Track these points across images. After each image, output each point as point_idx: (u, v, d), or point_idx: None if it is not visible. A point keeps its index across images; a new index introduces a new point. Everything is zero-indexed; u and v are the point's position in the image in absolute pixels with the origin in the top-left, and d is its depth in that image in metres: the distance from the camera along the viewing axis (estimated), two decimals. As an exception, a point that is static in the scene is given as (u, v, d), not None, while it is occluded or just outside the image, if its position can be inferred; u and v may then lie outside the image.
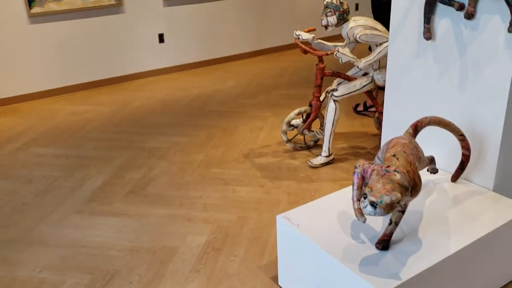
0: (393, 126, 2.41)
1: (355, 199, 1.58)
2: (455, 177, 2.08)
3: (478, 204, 1.91)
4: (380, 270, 1.53)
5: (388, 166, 1.49)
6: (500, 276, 1.92)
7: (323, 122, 3.29)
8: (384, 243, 1.62)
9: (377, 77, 2.93)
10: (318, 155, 3.17)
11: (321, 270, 1.68)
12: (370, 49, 4.18)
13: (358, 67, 2.86)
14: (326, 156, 3.05)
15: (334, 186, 2.83)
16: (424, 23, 2.08)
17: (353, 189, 1.59)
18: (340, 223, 1.79)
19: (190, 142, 3.56)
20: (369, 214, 1.41)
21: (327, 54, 2.85)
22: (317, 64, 2.99)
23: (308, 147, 3.35)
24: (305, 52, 2.96)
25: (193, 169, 3.12)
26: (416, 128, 1.78)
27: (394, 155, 1.55)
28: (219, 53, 5.72)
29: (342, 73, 3.06)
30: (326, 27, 2.83)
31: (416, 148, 1.65)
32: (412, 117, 2.30)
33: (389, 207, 1.39)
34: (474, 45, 1.94)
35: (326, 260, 1.63)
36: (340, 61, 2.83)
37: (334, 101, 2.94)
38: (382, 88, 3.64)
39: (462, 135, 1.89)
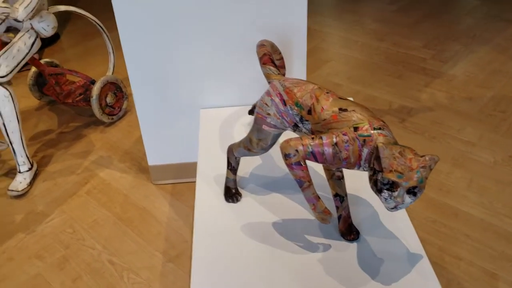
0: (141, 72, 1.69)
1: (313, 199, 0.99)
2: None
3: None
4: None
5: (357, 129, 0.95)
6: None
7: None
8: (354, 229, 1.13)
9: (41, 26, 1.93)
10: (11, 175, 2.00)
11: None
12: None
13: (18, 19, 1.77)
14: (30, 169, 1.95)
15: (76, 202, 1.87)
16: None
17: (302, 187, 0.99)
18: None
19: None
20: (406, 206, 0.90)
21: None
22: None
23: (-25, 172, 2.06)
24: None
25: None
26: (275, 63, 1.24)
27: (344, 110, 0.99)
28: None
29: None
30: None
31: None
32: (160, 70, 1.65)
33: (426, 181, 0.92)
34: None
35: None
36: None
37: (2, 85, 1.80)
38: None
39: (280, 53, 1.48)
